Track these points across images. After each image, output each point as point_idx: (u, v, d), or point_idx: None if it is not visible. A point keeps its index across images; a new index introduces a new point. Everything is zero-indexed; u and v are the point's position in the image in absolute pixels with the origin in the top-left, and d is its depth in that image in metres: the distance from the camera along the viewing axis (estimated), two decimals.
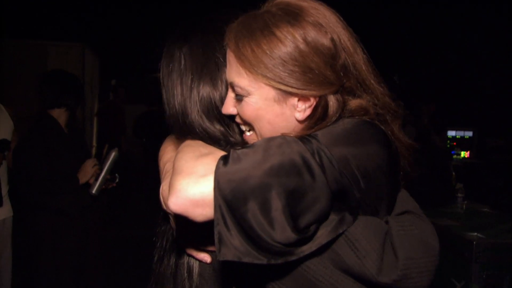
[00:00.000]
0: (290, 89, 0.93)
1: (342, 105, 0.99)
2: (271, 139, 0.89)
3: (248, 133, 1.07)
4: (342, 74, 0.97)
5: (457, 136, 7.52)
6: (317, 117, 0.98)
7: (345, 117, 0.98)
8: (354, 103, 0.99)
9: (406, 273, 0.89)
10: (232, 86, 1.01)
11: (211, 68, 1.08)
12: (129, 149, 8.15)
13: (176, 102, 1.09)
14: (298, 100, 0.97)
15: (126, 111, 8.28)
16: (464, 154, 7.38)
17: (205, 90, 1.07)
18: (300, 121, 0.99)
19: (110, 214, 5.94)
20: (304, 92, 0.94)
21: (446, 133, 7.17)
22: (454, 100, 7.69)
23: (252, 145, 0.89)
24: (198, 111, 1.07)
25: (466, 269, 3.33)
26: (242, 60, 0.95)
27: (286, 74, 0.92)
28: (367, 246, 0.89)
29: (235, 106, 1.03)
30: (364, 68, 1.01)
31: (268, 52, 0.92)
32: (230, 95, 1.03)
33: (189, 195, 0.84)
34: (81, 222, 3.12)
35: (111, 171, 3.04)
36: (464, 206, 4.10)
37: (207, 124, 1.08)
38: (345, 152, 0.88)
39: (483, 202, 4.33)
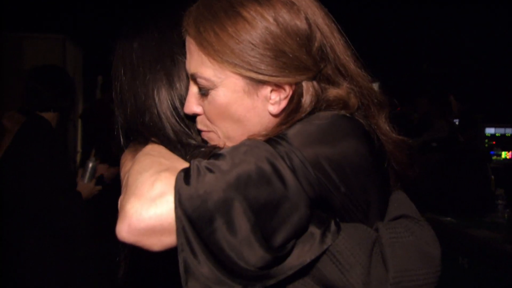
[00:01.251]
0: (261, 77, 0.93)
1: (320, 94, 0.97)
2: (237, 146, 0.88)
3: (207, 130, 1.05)
4: (319, 59, 0.96)
5: (496, 134, 7.42)
6: (291, 109, 0.96)
7: (321, 110, 0.97)
8: (332, 93, 0.98)
9: (398, 287, 0.86)
10: (194, 78, 0.99)
11: (166, 64, 1.07)
12: (118, 153, 8.15)
13: (131, 102, 1.09)
14: (272, 91, 0.95)
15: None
16: (505, 154, 7.26)
17: (161, 88, 1.07)
18: (274, 115, 0.97)
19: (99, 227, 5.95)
20: (277, 79, 0.93)
21: (483, 130, 7.09)
22: (493, 93, 7.59)
23: (217, 155, 0.87)
24: (156, 111, 1.07)
25: (507, 287, 3.26)
26: (205, 46, 0.94)
27: (256, 59, 0.92)
28: (351, 259, 0.87)
29: (200, 104, 1.01)
30: (343, 51, 1.00)
31: (234, 35, 0.92)
32: (193, 90, 1.01)
33: (143, 220, 0.80)
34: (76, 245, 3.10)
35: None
36: (506, 215, 4.04)
37: (167, 124, 1.06)
38: (320, 152, 0.87)
39: None
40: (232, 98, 0.96)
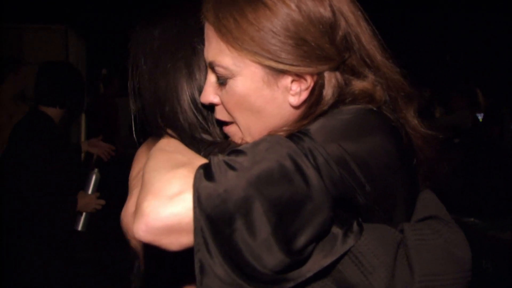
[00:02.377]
0: (281, 66, 0.92)
1: (343, 86, 0.96)
2: (257, 142, 0.87)
3: (228, 124, 1.04)
4: (342, 48, 0.95)
5: None
6: (312, 101, 0.95)
7: (346, 104, 0.95)
8: (357, 86, 0.97)
9: None
10: (212, 67, 0.98)
11: (187, 53, 1.07)
12: (124, 152, 8.17)
13: (151, 92, 1.09)
14: (292, 81, 0.95)
15: (120, 106, 8.32)
16: None
17: (181, 79, 1.07)
18: (295, 107, 0.97)
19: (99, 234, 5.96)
20: (298, 68, 0.92)
21: (510, 126, 7.01)
22: None
23: (238, 151, 0.86)
24: (177, 102, 1.06)
25: None
26: (224, 33, 0.93)
27: (277, 47, 0.91)
28: (374, 261, 0.85)
29: (217, 94, 1.01)
30: (369, 41, 0.99)
31: (254, 22, 0.91)
32: (211, 79, 1.01)
33: (161, 219, 0.80)
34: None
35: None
36: None
37: (184, 117, 1.06)
38: (344, 149, 0.86)
39: None
40: (251, 88, 0.95)
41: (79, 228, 3.00)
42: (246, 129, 1.00)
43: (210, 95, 1.01)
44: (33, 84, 3.09)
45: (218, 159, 0.84)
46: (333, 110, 0.94)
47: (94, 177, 3.05)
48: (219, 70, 0.97)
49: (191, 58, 1.07)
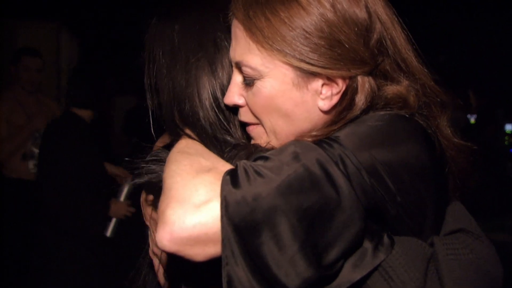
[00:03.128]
0: (313, 68, 0.89)
1: (376, 91, 0.93)
2: (284, 148, 0.84)
3: (252, 125, 1.02)
4: (377, 52, 0.92)
5: None
6: (344, 106, 0.92)
7: (377, 109, 0.93)
8: (390, 89, 0.94)
9: None
10: (239, 67, 0.96)
11: (209, 50, 1.04)
12: (117, 150, 8.13)
13: (169, 88, 1.05)
14: (323, 85, 0.92)
15: (114, 103, 8.27)
16: None
17: (203, 76, 1.03)
18: (324, 112, 0.94)
19: None
20: (330, 72, 0.89)
21: (503, 127, 7.03)
22: None
23: (265, 157, 0.84)
24: (198, 100, 1.02)
25: None
26: (254, 32, 0.91)
27: (309, 48, 0.89)
28: (404, 276, 0.83)
29: (242, 95, 0.98)
30: (404, 45, 0.96)
31: (287, 21, 0.89)
32: (236, 80, 0.98)
33: (187, 228, 0.78)
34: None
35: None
36: None
37: (205, 116, 1.02)
38: (376, 157, 0.83)
39: None
40: (280, 91, 0.93)
41: (108, 234, 3.06)
42: (272, 132, 0.98)
43: (235, 96, 0.99)
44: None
45: (245, 165, 0.81)
46: (364, 116, 0.92)
47: (127, 185, 3.11)
48: (247, 70, 0.94)
49: (214, 55, 1.04)
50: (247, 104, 0.99)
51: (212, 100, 1.03)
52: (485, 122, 6.17)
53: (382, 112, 0.92)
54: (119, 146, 8.17)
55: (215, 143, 1.01)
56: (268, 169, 0.80)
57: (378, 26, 0.93)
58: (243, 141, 1.03)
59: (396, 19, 0.98)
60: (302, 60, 0.89)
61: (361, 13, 0.91)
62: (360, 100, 0.93)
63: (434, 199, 0.92)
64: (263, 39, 0.90)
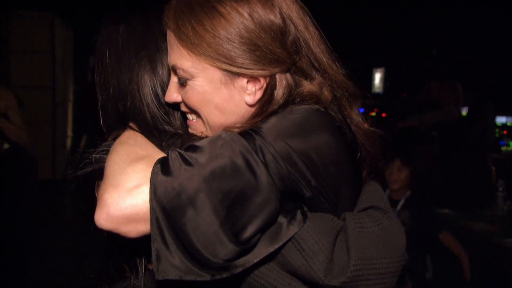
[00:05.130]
0: (236, 69, 1.00)
1: (293, 87, 1.05)
2: (214, 139, 0.95)
3: (192, 119, 1.13)
4: (292, 52, 1.03)
5: (507, 123, 7.44)
6: (265, 100, 1.04)
7: (295, 104, 1.04)
8: (306, 88, 1.05)
9: (359, 274, 0.93)
10: (174, 69, 1.07)
11: (150, 51, 1.15)
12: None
13: (115, 85, 1.16)
14: (248, 82, 1.03)
15: None
16: None
17: (144, 74, 1.15)
18: (250, 105, 1.05)
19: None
20: (252, 71, 1.00)
21: (494, 119, 7.07)
22: (504, 80, 7.57)
23: (195, 147, 0.94)
24: (138, 95, 1.14)
25: (504, 282, 3.32)
26: (183, 40, 1.01)
27: (232, 53, 0.99)
28: (315, 246, 0.94)
29: (179, 93, 1.09)
30: (316, 44, 1.07)
31: (210, 30, 0.99)
32: (173, 80, 1.09)
33: (120, 209, 0.90)
34: None
35: None
36: (505, 207, 4.10)
37: (146, 110, 1.14)
38: (292, 146, 0.94)
39: None
40: (209, 88, 1.03)
41: None
42: (207, 123, 1.09)
43: (173, 94, 1.09)
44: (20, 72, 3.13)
45: (176, 154, 0.92)
46: (285, 110, 1.03)
47: None
48: (180, 72, 1.05)
49: (154, 55, 1.15)
50: (183, 101, 1.10)
51: (152, 96, 1.14)
52: (476, 115, 6.23)
53: (299, 106, 1.02)
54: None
55: (155, 133, 1.12)
56: (195, 158, 0.91)
57: (292, 29, 1.03)
58: (180, 131, 1.14)
59: (310, 21, 1.08)
60: (226, 63, 1.00)
61: (275, 19, 1.01)
62: (278, 94, 1.03)
63: (347, 182, 1.03)
64: (192, 46, 1.00)
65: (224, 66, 1.00)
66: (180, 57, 1.03)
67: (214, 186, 0.88)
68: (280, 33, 1.01)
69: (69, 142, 8.55)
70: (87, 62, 9.08)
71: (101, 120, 1.23)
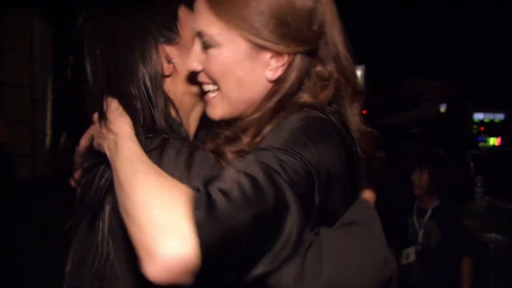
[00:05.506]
0: (263, 42, 1.03)
1: (309, 70, 1.08)
2: (240, 175, 0.88)
3: (211, 94, 1.14)
4: (317, 35, 1.07)
5: (485, 120, 7.51)
6: (282, 78, 1.06)
7: (295, 112, 1.03)
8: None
9: (332, 284, 0.92)
10: (200, 35, 1.08)
11: (143, 41, 1.16)
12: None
13: (105, 73, 1.17)
14: (271, 57, 1.06)
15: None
16: (493, 141, 7.29)
17: (136, 64, 1.15)
18: (270, 81, 1.08)
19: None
20: (278, 47, 1.03)
21: (472, 116, 7.18)
22: (482, 77, 7.69)
23: (221, 178, 0.88)
24: (132, 82, 1.15)
25: (482, 275, 3.38)
26: (214, 6, 1.04)
27: (261, 25, 1.02)
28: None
29: (201, 62, 1.10)
30: (338, 33, 1.11)
31: None
32: (196, 49, 1.11)
33: (178, 260, 0.80)
34: None
35: None
36: (483, 203, 4.18)
37: (138, 99, 1.14)
38: (307, 158, 0.92)
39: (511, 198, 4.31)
40: (233, 59, 1.06)
41: None
42: (226, 98, 1.10)
43: (194, 62, 1.11)
44: None
45: (207, 190, 0.85)
46: (285, 121, 1.01)
47: None
48: (206, 39, 1.07)
49: (146, 46, 1.16)
50: (205, 69, 1.11)
51: (143, 86, 1.15)
52: (455, 111, 6.33)
53: (298, 116, 1.02)
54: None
55: (141, 123, 1.11)
56: (231, 193, 0.84)
57: (320, 12, 1.07)
58: (164, 128, 1.15)
59: (335, 9, 1.11)
60: (254, 34, 1.02)
61: (307, 0, 1.04)
62: (294, 75, 1.06)
63: (342, 195, 1.03)
64: (222, 13, 1.03)
65: (251, 38, 1.03)
66: (208, 23, 1.06)
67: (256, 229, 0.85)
68: (309, 14, 1.05)
69: (48, 140, 8.46)
70: (66, 60, 9.00)
71: (87, 106, 1.21)
